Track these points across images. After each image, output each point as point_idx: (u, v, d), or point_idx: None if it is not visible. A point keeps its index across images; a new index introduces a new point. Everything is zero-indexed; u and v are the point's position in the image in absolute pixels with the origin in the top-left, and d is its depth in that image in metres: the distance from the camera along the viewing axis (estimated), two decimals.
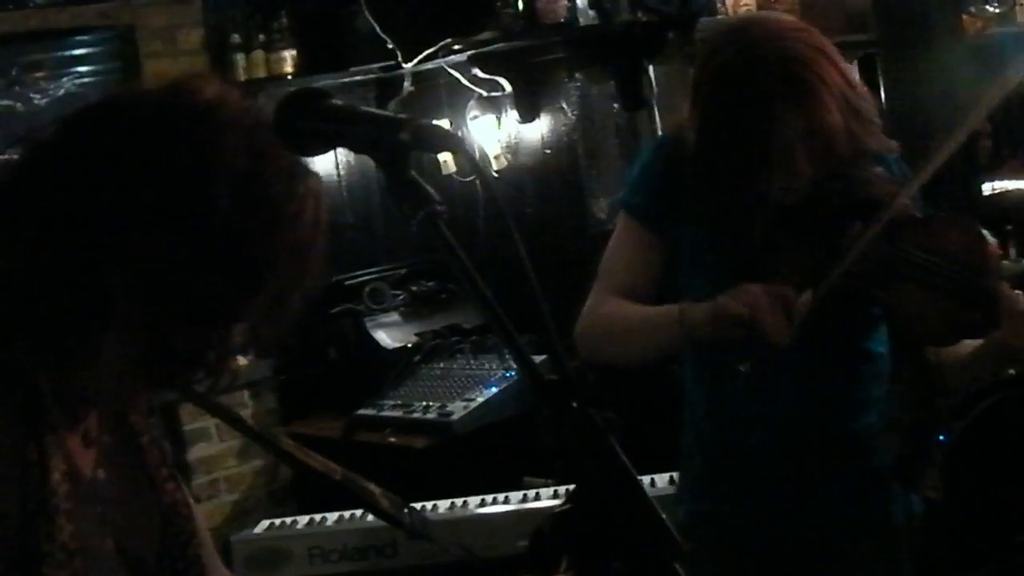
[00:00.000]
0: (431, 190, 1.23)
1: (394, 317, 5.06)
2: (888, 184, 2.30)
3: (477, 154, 5.11)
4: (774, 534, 2.41)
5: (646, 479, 3.07)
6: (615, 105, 4.78)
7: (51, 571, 1.25)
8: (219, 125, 1.28)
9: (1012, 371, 3.75)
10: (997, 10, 5.89)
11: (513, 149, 5.09)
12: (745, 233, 2.28)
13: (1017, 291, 2.18)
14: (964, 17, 5.24)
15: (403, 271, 5.18)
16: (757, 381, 2.24)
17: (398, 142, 1.22)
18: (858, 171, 2.29)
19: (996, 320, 2.14)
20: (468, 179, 4.96)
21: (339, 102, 1.31)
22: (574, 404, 1.21)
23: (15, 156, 1.29)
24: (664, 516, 1.24)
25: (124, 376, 1.32)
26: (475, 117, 5.12)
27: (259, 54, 5.09)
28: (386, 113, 1.29)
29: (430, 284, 5.13)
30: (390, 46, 5.08)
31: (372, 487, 1.63)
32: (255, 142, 1.29)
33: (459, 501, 3.62)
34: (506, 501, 3.56)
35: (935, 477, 2.36)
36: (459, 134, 5.11)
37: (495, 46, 4.84)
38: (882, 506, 2.42)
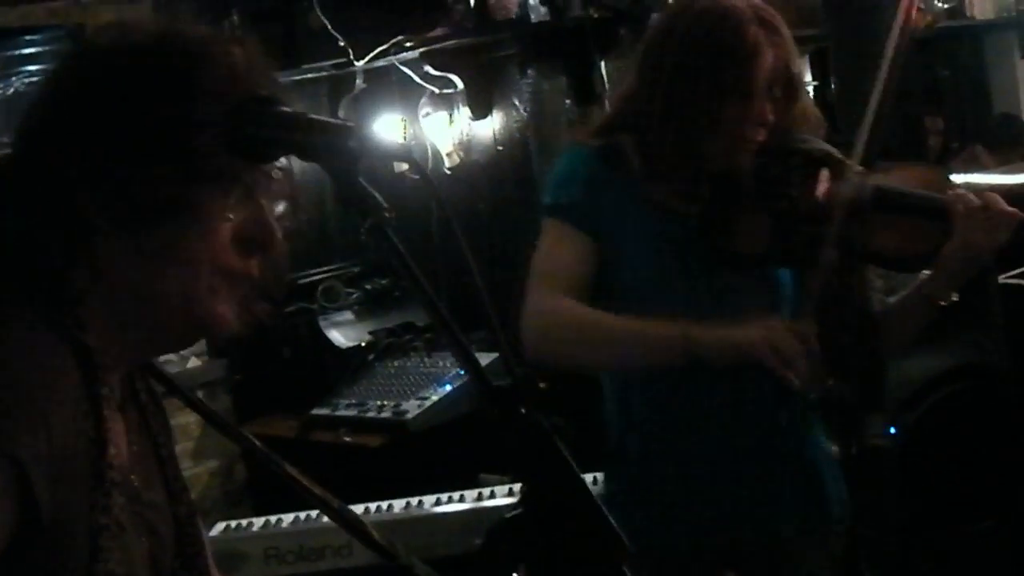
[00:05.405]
0: (379, 197, 1.22)
1: (348, 316, 5.05)
2: (829, 145, 2.38)
3: (429, 152, 5.10)
4: (718, 532, 2.40)
5: (588, 476, 3.07)
6: (567, 101, 4.79)
7: (107, 542, 1.27)
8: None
9: (957, 363, 3.80)
10: (946, 5, 5.96)
11: (466, 146, 5.09)
12: (707, 194, 2.30)
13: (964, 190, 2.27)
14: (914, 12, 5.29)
15: (356, 269, 5.17)
16: (690, 377, 2.26)
17: (347, 150, 1.22)
18: (802, 133, 2.37)
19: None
20: (418, 177, 4.94)
21: (289, 109, 1.30)
22: (522, 410, 1.22)
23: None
24: (611, 519, 1.25)
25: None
26: (427, 114, 5.11)
27: None
28: (335, 120, 1.29)
29: (383, 282, 5.12)
30: (342, 43, 5.06)
31: (364, 519, 1.64)
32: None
33: (415, 500, 3.60)
34: (462, 499, 3.55)
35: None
36: (411, 132, 5.11)
37: (447, 43, 4.84)
38: (819, 496, 2.45)
